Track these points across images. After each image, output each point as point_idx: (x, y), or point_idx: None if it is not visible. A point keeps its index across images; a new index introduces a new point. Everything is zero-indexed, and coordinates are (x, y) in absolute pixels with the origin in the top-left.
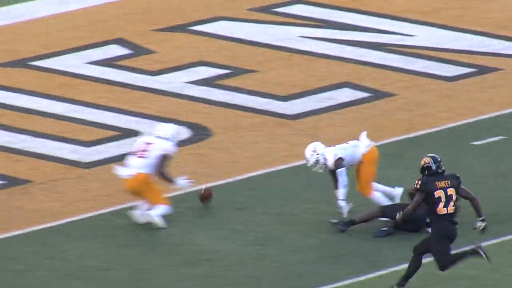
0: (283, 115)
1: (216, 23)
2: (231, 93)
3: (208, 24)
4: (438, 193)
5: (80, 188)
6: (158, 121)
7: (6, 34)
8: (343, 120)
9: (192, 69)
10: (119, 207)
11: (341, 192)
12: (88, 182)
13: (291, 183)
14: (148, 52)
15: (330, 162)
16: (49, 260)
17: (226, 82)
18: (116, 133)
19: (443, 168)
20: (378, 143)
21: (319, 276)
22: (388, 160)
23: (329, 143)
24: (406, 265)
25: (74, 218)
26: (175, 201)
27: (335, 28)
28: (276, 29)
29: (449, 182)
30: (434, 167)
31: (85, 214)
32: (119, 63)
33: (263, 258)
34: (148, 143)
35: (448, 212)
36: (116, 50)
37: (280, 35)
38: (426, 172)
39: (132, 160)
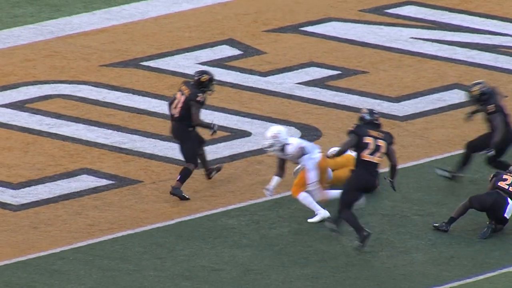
0: (393, 116)
1: (327, 24)
2: (341, 94)
3: (319, 25)
4: (368, 139)
5: (189, 189)
6: (269, 121)
7: (117, 34)
8: (453, 121)
9: (303, 70)
10: (228, 207)
11: (311, 178)
12: (197, 183)
13: (401, 184)
14: (259, 52)
15: (292, 150)
16: (158, 260)
17: (336, 83)
18: (227, 133)
19: (379, 122)
20: None
21: (428, 277)
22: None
23: (439, 145)
24: None
25: (184, 218)
26: (286, 202)
27: (446, 30)
28: (387, 30)
29: (382, 135)
30: (368, 117)
31: (195, 215)
32: (229, 63)
33: (372, 259)
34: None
35: (373, 161)
36: (226, 51)
37: (391, 36)
38: (361, 121)
39: None
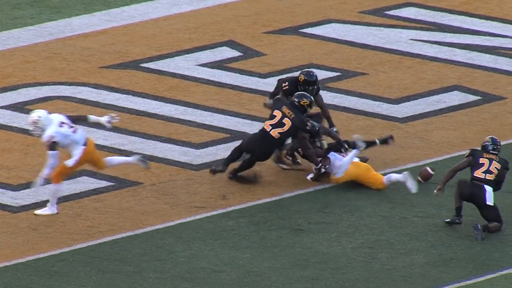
0: (393, 118)
1: (327, 25)
2: (340, 95)
3: (319, 27)
4: (276, 113)
5: (189, 190)
6: None
7: (117, 36)
8: (453, 123)
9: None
10: (228, 209)
11: (45, 172)
12: (197, 184)
13: (401, 186)
14: (259, 54)
15: (45, 138)
16: (158, 262)
17: (336, 84)
18: (226, 135)
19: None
20: None
21: (428, 279)
22: None
23: (439, 146)
24: None
25: (184, 220)
26: (285, 203)
27: (446, 31)
28: (386, 32)
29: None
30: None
31: (194, 216)
32: (229, 65)
33: (372, 261)
34: None
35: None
36: (226, 52)
37: (391, 38)
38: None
39: None
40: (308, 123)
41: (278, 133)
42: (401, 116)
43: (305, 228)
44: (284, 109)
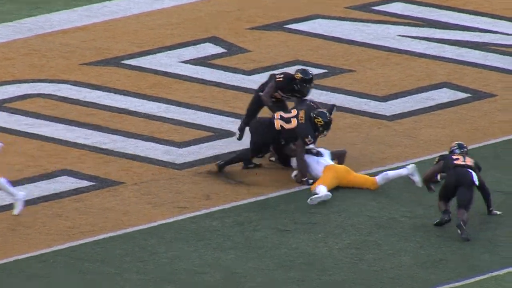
0: (380, 115)
1: (313, 21)
2: (327, 93)
3: (305, 23)
4: (294, 111)
5: (172, 190)
6: None
7: (98, 32)
8: (441, 121)
9: (288, 68)
10: (212, 209)
11: None
12: (180, 184)
13: (388, 185)
14: (243, 50)
15: None
16: (140, 263)
17: (322, 81)
18: (210, 133)
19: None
20: (477, 145)
21: (416, 280)
22: (486, 162)
23: (427, 145)
24: (507, 270)
25: (166, 220)
26: (270, 203)
27: (434, 27)
28: (374, 28)
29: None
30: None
31: (177, 216)
32: (213, 62)
33: (359, 262)
34: None
35: None
36: (210, 49)
37: (378, 34)
38: None
39: None
40: (309, 138)
41: (281, 125)
42: (389, 114)
43: (290, 228)
44: (302, 112)
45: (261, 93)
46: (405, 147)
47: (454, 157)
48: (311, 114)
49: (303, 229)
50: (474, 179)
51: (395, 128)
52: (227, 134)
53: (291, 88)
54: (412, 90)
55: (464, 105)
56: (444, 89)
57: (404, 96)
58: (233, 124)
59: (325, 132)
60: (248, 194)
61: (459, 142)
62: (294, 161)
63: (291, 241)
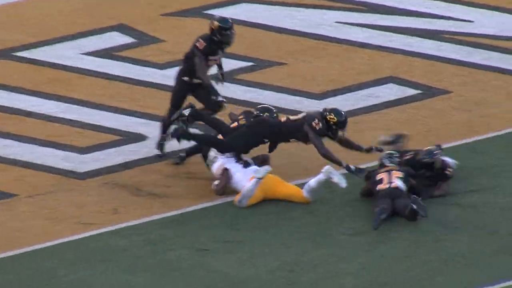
0: None
1: (237, 6)
2: (254, 89)
3: (227, 8)
4: None
5: (73, 203)
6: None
7: None
8: (387, 122)
9: None
10: (121, 225)
11: None
12: (83, 196)
13: (325, 198)
14: (155, 40)
15: None
16: None
17: (248, 76)
18: (117, 137)
19: None
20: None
21: None
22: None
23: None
24: None
25: (67, 239)
26: (187, 219)
27: (378, 13)
28: (308, 14)
29: None
30: None
31: (80, 234)
32: (121, 53)
33: (292, 286)
34: None
35: None
36: (117, 38)
37: (313, 21)
38: None
39: None
40: (317, 121)
41: (287, 117)
42: None
43: (211, 247)
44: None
45: (185, 78)
46: (345, 153)
47: (377, 177)
48: (323, 112)
49: (226, 248)
50: (403, 192)
51: None
52: (137, 137)
53: (215, 43)
54: (352, 86)
55: (414, 103)
56: (390, 84)
57: (344, 93)
58: (144, 126)
59: (340, 132)
60: (161, 207)
61: (390, 151)
62: (215, 166)
63: (212, 262)
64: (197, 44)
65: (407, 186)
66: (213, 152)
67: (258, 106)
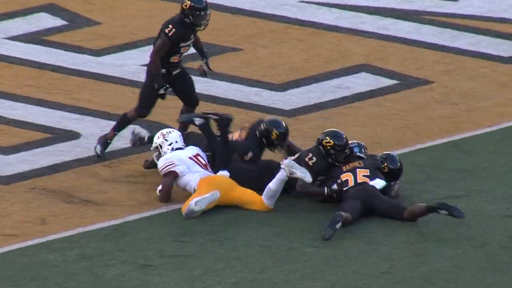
0: (277, 110)
1: None
2: (204, 79)
3: None
4: None
5: None
6: (104, 118)
7: None
8: (359, 117)
9: (151, 46)
10: (51, 237)
11: None
12: (7, 204)
13: (285, 204)
14: (90, 23)
15: None
16: None
17: (198, 64)
18: (47, 135)
19: None
20: (408, 149)
21: None
22: (420, 171)
23: None
24: None
25: None
26: (129, 229)
27: None
28: None
29: None
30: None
31: (4, 248)
32: (49, 38)
33: None
34: None
35: None
36: (45, 21)
37: (274, 0)
38: None
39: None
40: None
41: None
42: (288, 108)
43: (155, 263)
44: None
45: (163, 70)
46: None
47: (342, 178)
48: (262, 125)
49: (173, 263)
50: (377, 189)
51: (296, 126)
52: (69, 135)
53: (187, 27)
54: (319, 76)
55: (390, 95)
56: (363, 73)
57: (309, 84)
58: (77, 122)
59: (279, 147)
60: (98, 216)
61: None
62: (160, 163)
63: (156, 280)
64: (166, 31)
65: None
66: (144, 131)
67: (269, 118)
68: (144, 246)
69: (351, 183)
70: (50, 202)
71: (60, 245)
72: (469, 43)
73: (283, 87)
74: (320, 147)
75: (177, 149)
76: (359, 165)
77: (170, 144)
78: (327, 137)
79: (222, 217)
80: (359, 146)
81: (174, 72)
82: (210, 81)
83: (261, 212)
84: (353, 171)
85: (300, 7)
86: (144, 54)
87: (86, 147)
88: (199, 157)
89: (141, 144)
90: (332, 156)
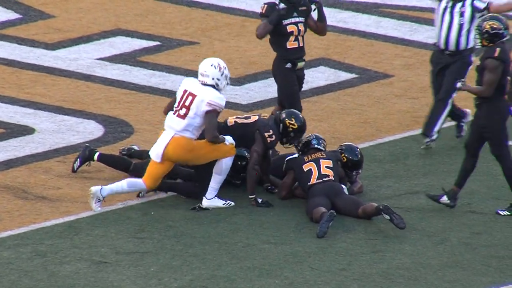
0: (234, 104)
1: None
2: (160, 73)
3: None
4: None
5: None
6: (59, 113)
7: None
8: (318, 111)
9: (106, 40)
10: (4, 234)
11: None
12: None
13: (244, 200)
14: (44, 16)
15: None
16: None
17: (153, 58)
18: (0, 130)
19: None
20: (368, 143)
21: None
22: (380, 167)
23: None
24: None
25: None
26: (82, 226)
27: None
28: None
29: None
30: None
31: None
32: (3, 32)
33: None
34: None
35: None
36: None
37: None
38: None
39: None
40: (271, 133)
41: (235, 121)
42: (245, 102)
43: (111, 260)
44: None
45: (288, 65)
46: None
47: (304, 168)
48: (280, 115)
49: (128, 260)
50: (343, 188)
51: None
52: (23, 130)
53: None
54: None
55: (349, 90)
56: (321, 67)
57: (266, 77)
58: (31, 117)
59: (296, 141)
60: (52, 213)
61: (316, 135)
62: None
63: (112, 277)
64: (260, 9)
65: (337, 176)
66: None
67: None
68: (100, 243)
69: (315, 173)
70: (4, 198)
71: (14, 242)
72: (429, 37)
73: (240, 81)
74: (281, 125)
75: None
76: (321, 156)
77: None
78: (291, 119)
79: (179, 213)
80: (317, 138)
81: (300, 65)
82: (167, 75)
83: (218, 209)
84: (316, 161)
85: (257, 0)
86: (99, 48)
87: (40, 142)
88: None
89: (128, 152)
90: (289, 137)
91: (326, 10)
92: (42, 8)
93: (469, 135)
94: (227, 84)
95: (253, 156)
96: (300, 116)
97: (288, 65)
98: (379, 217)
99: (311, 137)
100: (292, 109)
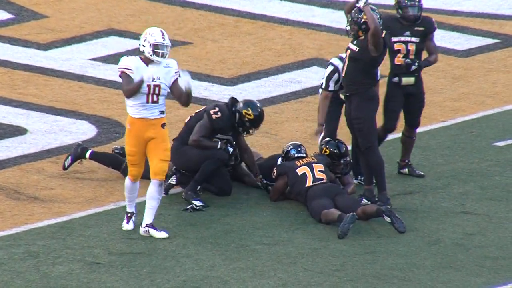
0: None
1: None
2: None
3: None
4: None
5: None
6: (51, 113)
7: None
8: (311, 112)
9: (99, 40)
10: None
11: None
12: None
13: (236, 200)
14: (37, 16)
15: None
16: None
17: None
18: None
19: None
20: None
21: None
22: None
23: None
24: None
25: None
26: (75, 227)
27: None
28: None
29: None
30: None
31: None
32: None
33: None
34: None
35: None
36: None
37: None
38: None
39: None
40: (216, 110)
41: (190, 116)
42: None
43: (104, 261)
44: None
45: (395, 79)
46: (261, 148)
47: (299, 172)
48: (238, 104)
49: (121, 261)
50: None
51: None
52: (15, 130)
53: (398, 20)
54: (270, 70)
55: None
56: (314, 67)
57: (259, 78)
58: (24, 118)
59: (251, 131)
60: (44, 213)
61: (294, 143)
62: None
63: (105, 278)
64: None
65: (329, 179)
66: None
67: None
68: (92, 244)
69: (310, 176)
70: None
71: (6, 243)
72: None
73: (233, 81)
74: (237, 114)
75: None
76: (313, 160)
77: None
78: (248, 109)
79: (171, 215)
80: (295, 147)
81: (406, 81)
82: None
83: (211, 209)
84: (309, 165)
85: (251, 0)
86: (92, 48)
87: (32, 142)
88: None
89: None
90: (244, 126)
91: (319, 10)
92: (35, 8)
93: (351, 132)
94: (153, 52)
95: (195, 129)
96: (258, 106)
97: None
98: (375, 218)
99: (289, 148)
100: (251, 99)
